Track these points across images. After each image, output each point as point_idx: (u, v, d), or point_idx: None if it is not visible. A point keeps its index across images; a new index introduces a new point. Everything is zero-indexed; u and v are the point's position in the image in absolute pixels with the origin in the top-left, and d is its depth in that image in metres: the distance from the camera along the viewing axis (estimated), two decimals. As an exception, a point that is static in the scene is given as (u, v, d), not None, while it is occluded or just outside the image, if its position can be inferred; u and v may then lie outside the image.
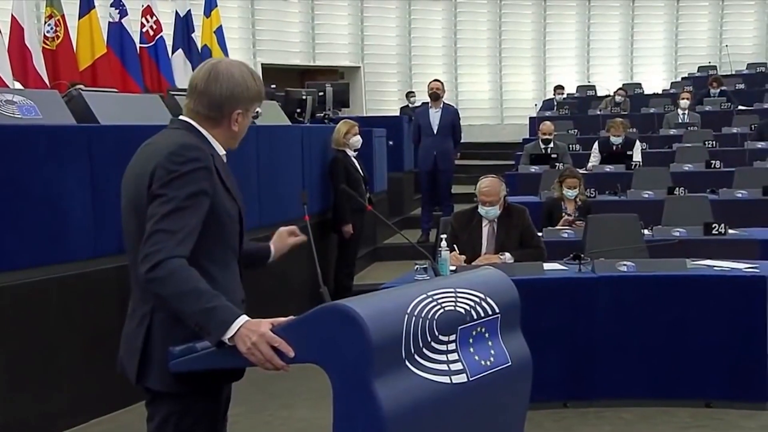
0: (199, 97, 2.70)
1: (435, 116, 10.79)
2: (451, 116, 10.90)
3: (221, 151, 2.75)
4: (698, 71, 19.53)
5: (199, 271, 2.50)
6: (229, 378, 2.73)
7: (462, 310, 2.57)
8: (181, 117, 2.76)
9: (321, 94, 9.85)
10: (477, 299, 2.63)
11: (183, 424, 2.63)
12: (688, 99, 13.71)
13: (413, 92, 17.94)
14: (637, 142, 10.91)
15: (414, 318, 2.39)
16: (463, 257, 5.89)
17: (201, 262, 2.57)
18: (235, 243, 2.76)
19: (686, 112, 13.56)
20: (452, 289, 2.58)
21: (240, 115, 2.73)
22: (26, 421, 4.95)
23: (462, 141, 11.41)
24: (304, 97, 9.28)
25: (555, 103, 17.22)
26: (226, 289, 2.62)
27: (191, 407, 2.63)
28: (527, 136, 14.47)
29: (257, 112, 2.81)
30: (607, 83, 19.41)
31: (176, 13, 12.78)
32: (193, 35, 12.85)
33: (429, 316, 2.44)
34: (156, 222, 2.49)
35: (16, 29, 10.40)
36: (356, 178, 8.42)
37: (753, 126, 12.66)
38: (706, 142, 11.68)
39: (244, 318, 2.42)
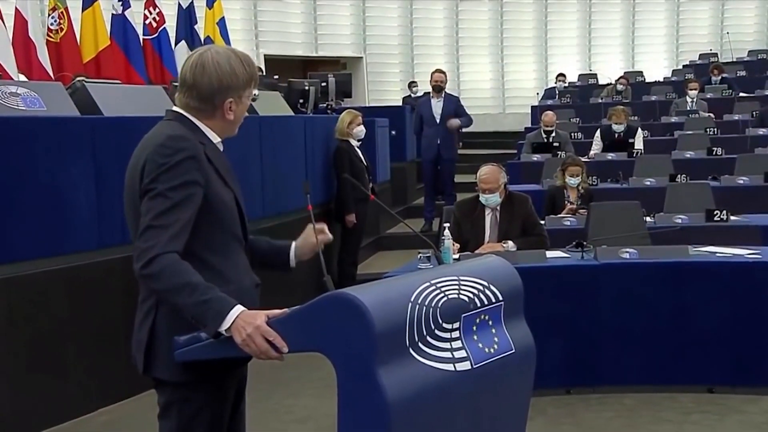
0: (189, 90, 2.70)
1: (437, 106, 10.81)
2: (454, 105, 10.92)
3: (215, 139, 2.73)
4: (699, 59, 19.47)
5: (199, 263, 2.53)
6: (230, 367, 2.71)
7: (465, 298, 2.57)
8: (174, 108, 2.75)
9: (323, 84, 9.87)
10: (480, 287, 2.64)
11: (185, 411, 2.66)
12: (696, 89, 13.74)
13: (415, 82, 17.90)
14: (639, 130, 10.92)
15: (417, 306, 2.39)
16: (458, 246, 5.88)
17: (200, 253, 2.59)
18: (236, 230, 2.74)
19: (695, 100, 13.59)
20: (455, 277, 2.58)
21: (232, 103, 2.70)
22: (33, 411, 4.98)
23: (464, 129, 11.42)
24: (306, 88, 9.28)
25: (557, 92, 17.20)
26: (229, 278, 2.64)
27: (193, 396, 2.65)
28: (529, 125, 14.47)
29: (255, 95, 2.76)
30: (609, 71, 19.40)
31: (179, 4, 12.79)
32: (195, 27, 12.88)
33: (432, 304, 2.44)
34: (148, 217, 2.50)
35: (20, 22, 10.42)
36: (360, 167, 8.43)
37: (754, 113, 12.66)
38: (708, 129, 11.67)
39: (239, 308, 2.43)
